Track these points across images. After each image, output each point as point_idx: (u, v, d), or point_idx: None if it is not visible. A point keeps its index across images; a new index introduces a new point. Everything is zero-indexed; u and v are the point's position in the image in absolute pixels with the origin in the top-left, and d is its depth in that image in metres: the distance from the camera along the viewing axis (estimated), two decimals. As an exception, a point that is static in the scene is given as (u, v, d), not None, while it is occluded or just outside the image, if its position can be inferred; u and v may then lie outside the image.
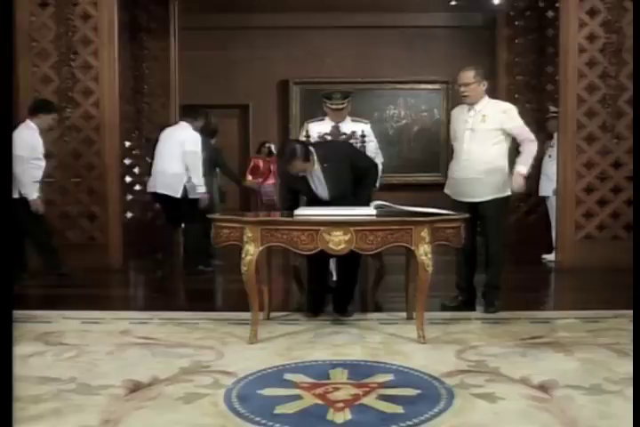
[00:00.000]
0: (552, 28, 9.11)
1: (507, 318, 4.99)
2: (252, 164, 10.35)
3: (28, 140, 6.39)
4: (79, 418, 3.06)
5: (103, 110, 7.42)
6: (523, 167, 5.22)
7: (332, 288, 5.43)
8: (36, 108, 6.62)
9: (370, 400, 3.28)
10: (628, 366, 3.61)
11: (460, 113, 5.42)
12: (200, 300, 6.21)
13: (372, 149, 6.13)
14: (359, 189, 5.09)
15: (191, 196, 7.02)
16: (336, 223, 4.28)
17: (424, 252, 4.30)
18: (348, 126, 6.10)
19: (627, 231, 7.31)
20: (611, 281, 6.26)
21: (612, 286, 6.07)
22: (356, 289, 5.40)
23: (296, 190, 5.22)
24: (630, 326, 4.34)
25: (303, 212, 4.59)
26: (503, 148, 5.29)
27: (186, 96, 9.63)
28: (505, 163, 5.31)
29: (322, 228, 4.25)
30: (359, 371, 3.73)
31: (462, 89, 5.28)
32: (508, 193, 5.32)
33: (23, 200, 6.35)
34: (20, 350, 4.04)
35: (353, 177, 5.07)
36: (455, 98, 9.83)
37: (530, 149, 5.29)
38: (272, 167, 10.01)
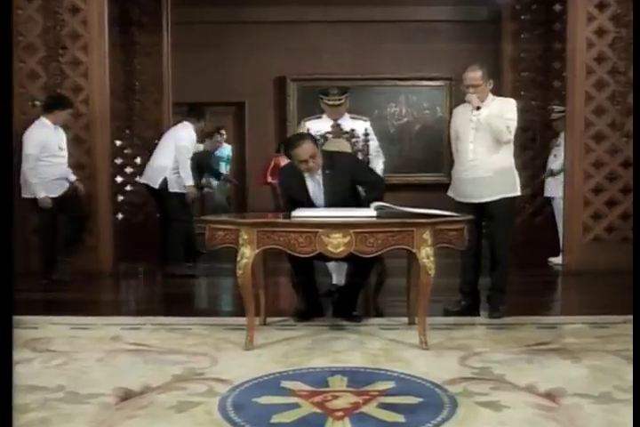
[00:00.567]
0: (559, 22, 9.10)
1: (512, 324, 4.99)
2: (272, 163, 10.13)
3: (39, 138, 6.61)
4: (68, 428, 3.06)
5: (93, 108, 7.39)
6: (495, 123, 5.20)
7: (331, 291, 5.43)
8: (51, 104, 6.80)
9: (370, 409, 3.27)
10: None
11: (463, 112, 5.40)
12: (194, 304, 6.21)
13: (374, 148, 6.12)
14: (364, 202, 5.07)
15: (174, 189, 7.33)
16: (335, 225, 4.27)
17: (426, 254, 4.29)
18: (347, 124, 6.10)
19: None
20: (620, 285, 6.24)
21: (621, 290, 6.06)
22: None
23: (294, 199, 5.16)
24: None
25: (301, 213, 4.59)
26: (509, 147, 5.30)
27: (179, 93, 9.62)
28: (512, 162, 5.32)
29: (320, 230, 4.24)
30: (359, 378, 3.72)
31: (471, 91, 5.25)
32: (517, 193, 5.33)
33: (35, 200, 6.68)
34: (6, 356, 4.03)
35: (352, 192, 5.11)
36: (458, 95, 9.83)
37: (498, 127, 5.18)
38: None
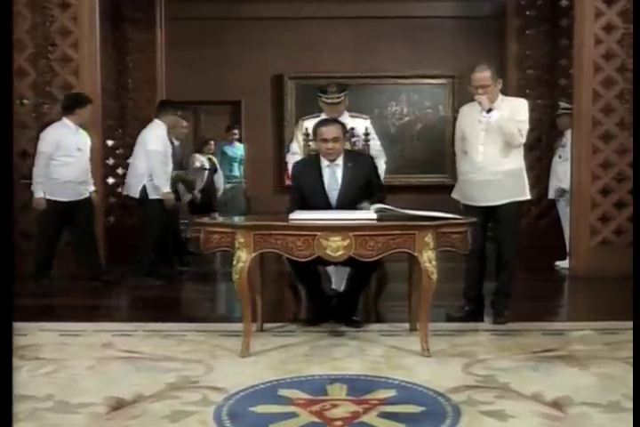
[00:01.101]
0: (566, 18, 9.12)
1: (517, 330, 4.98)
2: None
3: (54, 137, 6.68)
4: (57, 438, 3.05)
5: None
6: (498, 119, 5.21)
7: (330, 297, 5.43)
8: (71, 105, 6.81)
9: (370, 418, 3.27)
10: (647, 382, 3.60)
11: (471, 112, 5.38)
12: (188, 310, 6.19)
13: (376, 147, 6.10)
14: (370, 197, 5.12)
15: (154, 196, 7.18)
16: (334, 228, 4.27)
17: (428, 258, 4.29)
18: (346, 123, 6.09)
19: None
20: (629, 290, 6.21)
21: (630, 295, 6.04)
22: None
23: (305, 191, 5.22)
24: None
25: (299, 216, 4.58)
26: (520, 148, 5.30)
27: (173, 92, 9.62)
28: (522, 164, 5.33)
29: (319, 233, 4.24)
30: (359, 386, 3.72)
31: (480, 92, 5.22)
32: (527, 197, 5.34)
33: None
34: (-7, 364, 4.02)
35: (364, 191, 5.15)
36: (461, 93, 9.88)
37: (510, 131, 5.19)
38: None
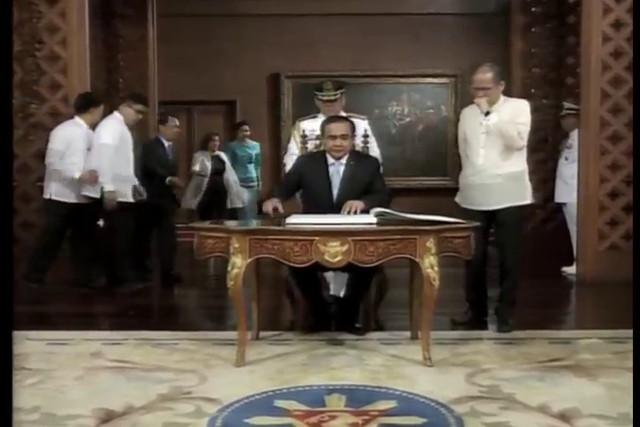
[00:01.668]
0: (573, 15, 9.12)
1: (522, 338, 4.98)
2: None
3: (66, 134, 6.83)
4: (43, 452, 3.05)
5: (72, 107, 7.36)
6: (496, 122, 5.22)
7: (330, 303, 5.43)
8: (86, 104, 6.97)
9: (370, 430, 3.26)
10: (658, 392, 3.60)
11: (472, 114, 5.40)
12: (181, 318, 6.18)
13: (374, 149, 6.12)
14: (370, 195, 5.16)
15: (119, 198, 6.91)
16: (332, 233, 4.26)
17: (430, 264, 4.28)
18: None
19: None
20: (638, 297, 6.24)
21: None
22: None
23: (307, 188, 5.30)
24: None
25: (296, 220, 4.58)
26: (522, 151, 5.31)
27: (166, 91, 9.65)
28: (524, 167, 5.34)
29: (316, 238, 4.23)
30: (358, 397, 3.71)
31: (480, 94, 5.24)
32: (528, 201, 5.35)
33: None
34: (-23, 374, 4.01)
35: (364, 193, 5.18)
36: (464, 93, 9.86)
37: (509, 134, 5.19)
38: None
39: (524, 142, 5.28)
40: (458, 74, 11.12)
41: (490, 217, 5.30)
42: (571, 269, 7.82)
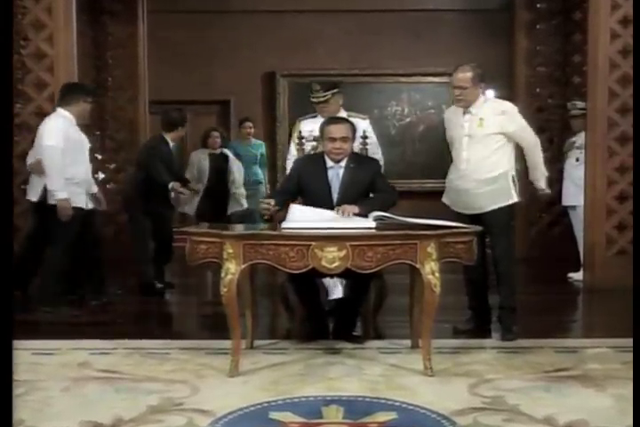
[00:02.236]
0: (580, 11, 9.13)
1: (527, 347, 4.98)
2: None
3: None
4: (28, 466, 3.04)
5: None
6: (543, 181, 5.56)
7: (330, 310, 5.43)
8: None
9: (369, 443, 3.26)
10: (669, 403, 3.59)
11: (454, 117, 5.54)
12: (172, 326, 6.18)
13: (374, 150, 6.13)
14: (369, 198, 5.20)
15: (52, 201, 6.37)
16: (330, 238, 4.26)
17: (431, 270, 4.28)
18: None
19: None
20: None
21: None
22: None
23: (305, 192, 5.30)
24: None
25: (292, 224, 4.57)
26: (507, 152, 5.40)
27: (157, 90, 9.64)
28: (509, 167, 5.42)
29: (313, 243, 4.23)
30: (357, 408, 3.71)
31: (457, 92, 5.39)
32: (514, 200, 5.38)
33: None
34: (-40, 385, 4.00)
35: (366, 195, 5.23)
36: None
37: (538, 156, 5.50)
38: None
39: (536, 139, 5.51)
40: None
41: (478, 221, 5.30)
42: (577, 275, 7.81)
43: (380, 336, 5.39)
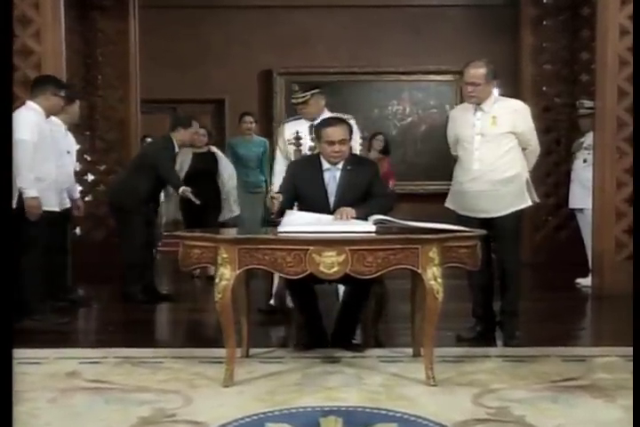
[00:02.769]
0: (588, 7, 9.14)
1: (533, 356, 4.97)
2: None
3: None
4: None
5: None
6: None
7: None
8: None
9: (369, 456, 3.25)
10: (681, 414, 3.59)
11: (463, 115, 5.51)
12: (165, 334, 6.17)
13: (357, 147, 6.18)
14: (366, 202, 5.16)
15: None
16: (328, 242, 4.26)
17: (433, 275, 4.28)
18: None
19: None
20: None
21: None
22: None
23: (301, 197, 5.30)
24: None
25: (288, 228, 4.57)
26: (519, 152, 5.41)
27: (148, 89, 9.62)
28: (522, 169, 5.40)
29: (311, 247, 4.22)
30: (356, 419, 3.71)
31: (469, 89, 5.35)
32: (528, 203, 5.39)
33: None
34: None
35: (363, 198, 5.20)
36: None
37: (532, 161, 5.56)
38: (387, 170, 9.52)
39: (538, 146, 5.53)
40: (463, 71, 11.11)
41: (486, 224, 5.30)
42: (586, 281, 7.82)
43: (380, 344, 5.37)
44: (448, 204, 5.63)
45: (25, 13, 7.26)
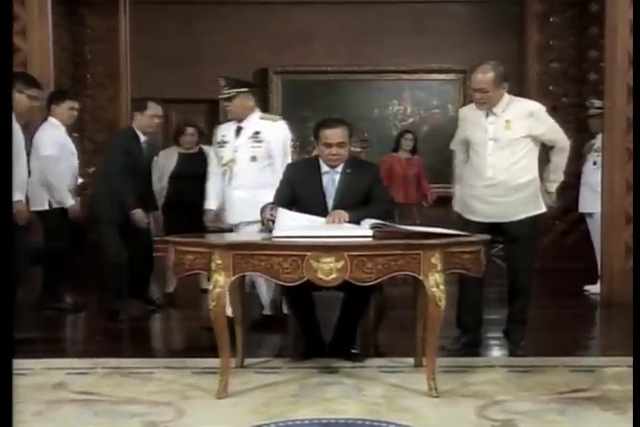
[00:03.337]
0: (596, 2, 9.15)
1: (540, 366, 4.97)
2: (385, 167, 8.82)
3: (53, 137, 6.87)
4: None
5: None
6: (555, 186, 5.52)
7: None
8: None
9: (369, 471, 3.25)
10: (694, 427, 3.58)
11: (475, 117, 5.43)
12: (155, 343, 6.17)
13: (276, 150, 6.17)
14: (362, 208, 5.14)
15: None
16: (326, 247, 4.24)
17: (435, 282, 4.27)
18: (250, 126, 6.20)
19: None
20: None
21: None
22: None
23: (298, 201, 5.28)
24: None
25: (284, 233, 4.56)
26: (534, 156, 5.38)
27: (139, 88, 9.62)
28: (535, 171, 5.39)
29: (308, 253, 4.21)
30: (355, 433, 3.69)
31: (477, 96, 5.27)
32: (542, 209, 5.37)
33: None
34: None
35: (363, 201, 5.20)
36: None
37: (563, 159, 5.49)
38: (419, 171, 9.39)
39: (568, 142, 5.53)
40: (466, 69, 11.05)
41: (496, 229, 5.28)
42: (594, 288, 7.81)
43: (380, 354, 5.37)
44: (456, 207, 5.60)
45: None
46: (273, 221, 4.94)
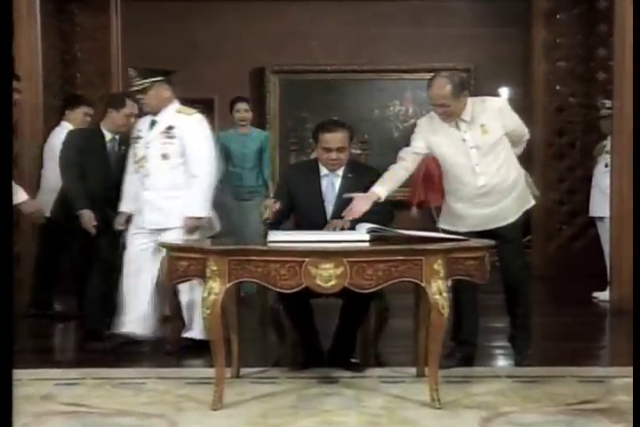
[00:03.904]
0: (604, -1, 9.17)
1: (547, 376, 4.97)
2: (422, 170, 8.45)
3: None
4: None
5: (21, 106, 7.26)
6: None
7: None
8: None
9: (369, 485, 3.25)
10: None
11: (442, 128, 5.23)
12: (148, 352, 6.15)
13: (193, 148, 5.78)
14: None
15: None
16: (325, 253, 4.24)
17: (438, 289, 4.26)
18: (166, 120, 5.88)
19: None
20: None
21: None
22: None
23: (296, 204, 5.31)
24: None
25: (280, 237, 4.56)
26: (511, 152, 5.34)
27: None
28: (519, 167, 5.39)
29: (307, 259, 4.21)
30: (355, 445, 3.70)
31: (440, 110, 5.11)
32: (531, 203, 5.44)
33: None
34: None
35: None
36: (478, 89, 9.85)
37: (521, 148, 5.47)
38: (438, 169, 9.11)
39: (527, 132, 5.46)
40: (470, 68, 11.10)
41: (485, 235, 5.22)
42: (603, 295, 7.81)
43: (381, 364, 5.39)
44: (441, 224, 5.42)
45: (-3, 6, 7.27)
46: (273, 222, 4.97)
